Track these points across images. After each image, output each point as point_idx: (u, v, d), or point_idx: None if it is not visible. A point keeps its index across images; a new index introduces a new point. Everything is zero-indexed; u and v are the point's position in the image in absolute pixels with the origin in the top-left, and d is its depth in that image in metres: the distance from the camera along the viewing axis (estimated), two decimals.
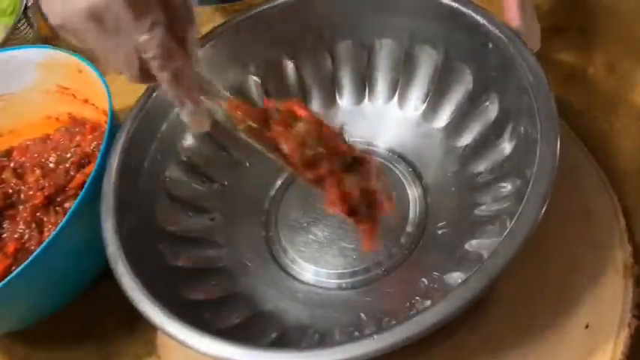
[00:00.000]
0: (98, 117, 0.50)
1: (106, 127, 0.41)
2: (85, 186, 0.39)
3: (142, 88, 0.44)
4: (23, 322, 0.43)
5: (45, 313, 0.43)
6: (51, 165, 0.49)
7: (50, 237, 0.36)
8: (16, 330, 0.44)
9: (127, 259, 0.35)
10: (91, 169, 0.41)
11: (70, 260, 0.39)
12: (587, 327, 0.35)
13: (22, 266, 0.36)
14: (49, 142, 0.51)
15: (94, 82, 0.46)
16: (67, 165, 0.48)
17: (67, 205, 0.46)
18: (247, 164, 0.47)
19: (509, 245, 0.30)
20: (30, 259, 0.36)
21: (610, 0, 0.52)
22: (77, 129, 0.51)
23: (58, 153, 0.50)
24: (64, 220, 0.37)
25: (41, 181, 0.47)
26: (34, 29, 0.67)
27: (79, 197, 0.38)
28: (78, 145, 0.50)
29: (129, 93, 0.44)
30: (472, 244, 0.37)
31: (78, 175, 0.47)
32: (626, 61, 0.49)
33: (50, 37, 0.71)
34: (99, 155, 0.40)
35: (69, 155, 0.49)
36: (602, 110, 0.47)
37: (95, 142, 0.49)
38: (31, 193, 0.47)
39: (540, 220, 0.30)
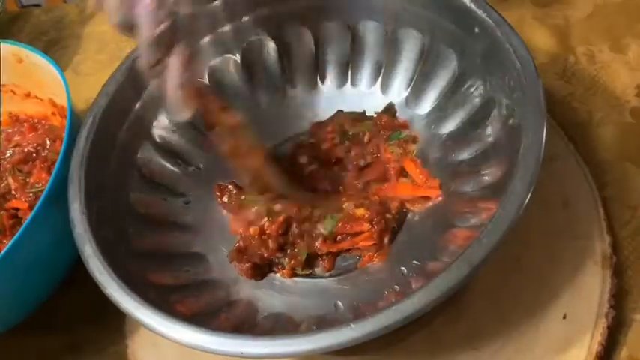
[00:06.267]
0: (43, 110, 0.47)
1: (52, 119, 0.38)
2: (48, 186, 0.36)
3: None
4: None
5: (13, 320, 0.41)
6: None
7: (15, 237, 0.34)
8: None
9: (96, 242, 0.34)
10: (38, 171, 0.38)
11: (37, 264, 0.38)
12: (564, 317, 0.35)
13: None
14: None
15: (37, 71, 0.42)
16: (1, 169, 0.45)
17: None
18: None
19: (491, 235, 0.29)
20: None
21: None
22: (16, 129, 0.48)
23: None
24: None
25: None
26: (0, 4, 0.64)
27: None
28: (17, 146, 0.47)
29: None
30: (453, 233, 0.36)
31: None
32: (606, 50, 0.49)
33: (16, 16, 0.68)
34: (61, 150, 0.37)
35: (8, 155, 0.47)
36: (582, 100, 0.47)
37: (37, 142, 0.46)
38: None
39: (524, 210, 0.30)
